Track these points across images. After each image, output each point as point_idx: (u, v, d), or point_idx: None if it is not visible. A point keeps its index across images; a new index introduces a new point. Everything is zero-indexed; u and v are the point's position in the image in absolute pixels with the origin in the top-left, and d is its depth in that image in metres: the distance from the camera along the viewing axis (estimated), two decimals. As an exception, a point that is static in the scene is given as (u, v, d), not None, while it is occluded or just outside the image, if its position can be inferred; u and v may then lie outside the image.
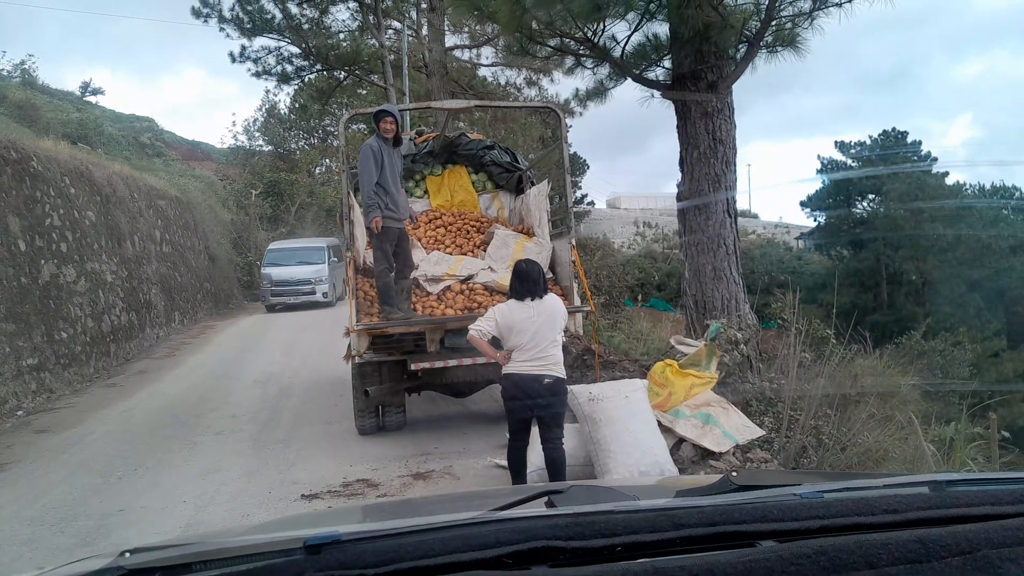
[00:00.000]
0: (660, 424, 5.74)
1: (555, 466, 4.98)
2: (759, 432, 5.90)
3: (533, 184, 8.66)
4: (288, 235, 26.15)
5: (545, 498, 1.24)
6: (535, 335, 4.87)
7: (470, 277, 7.60)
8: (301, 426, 7.98)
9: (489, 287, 7.45)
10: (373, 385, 7.01)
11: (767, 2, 7.78)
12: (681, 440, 5.79)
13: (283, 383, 10.36)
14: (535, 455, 5.54)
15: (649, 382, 6.02)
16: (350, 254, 7.25)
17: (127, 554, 1.08)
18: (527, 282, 5.01)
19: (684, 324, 8.83)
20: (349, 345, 6.99)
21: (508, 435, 5.12)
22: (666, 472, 5.31)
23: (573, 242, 7.32)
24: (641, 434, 5.53)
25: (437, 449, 6.74)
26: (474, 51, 20.40)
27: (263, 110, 34.78)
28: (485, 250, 8.08)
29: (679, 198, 8.62)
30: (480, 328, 5.01)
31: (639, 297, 18.03)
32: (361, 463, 6.44)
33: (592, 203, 37.09)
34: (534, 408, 4.91)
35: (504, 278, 7.33)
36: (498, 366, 6.58)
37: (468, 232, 8.49)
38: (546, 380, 4.89)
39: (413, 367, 6.77)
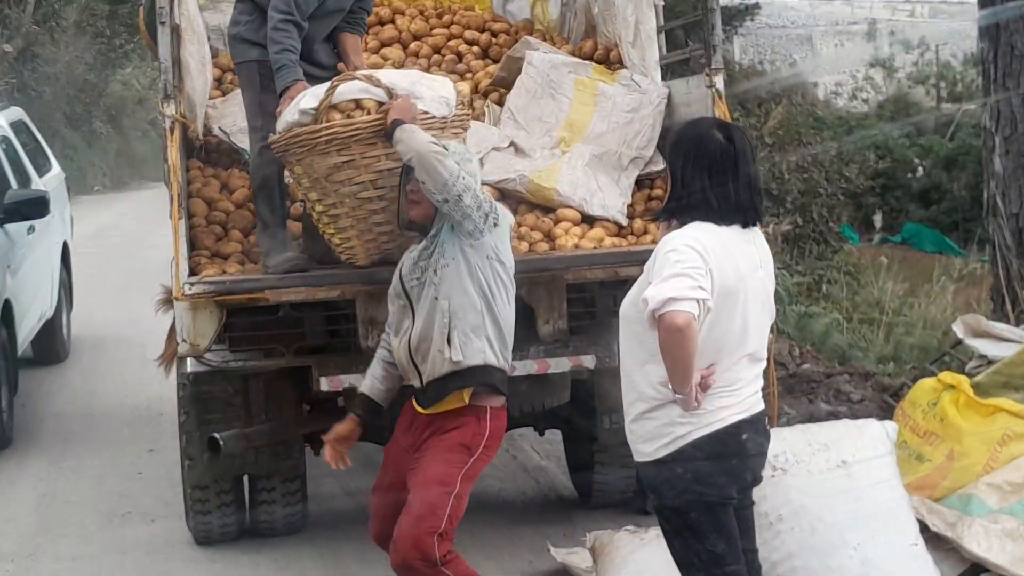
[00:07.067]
0: (923, 525, 3.35)
1: None
2: None
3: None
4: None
5: None
6: (748, 318, 2.19)
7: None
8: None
9: (507, 189, 3.71)
10: (227, 426, 3.49)
11: None
12: (977, 568, 3.40)
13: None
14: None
15: (899, 425, 3.62)
16: (174, 114, 3.56)
17: None
18: (732, 176, 2.13)
19: (987, 285, 5.86)
20: (170, 332, 3.56)
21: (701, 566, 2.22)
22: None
23: (719, 86, 3.65)
24: (875, 551, 3.19)
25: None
26: None
27: None
28: (501, 98, 4.17)
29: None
30: (698, 296, 1.97)
31: (877, 222, 12.83)
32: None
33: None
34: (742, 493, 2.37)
35: (548, 171, 3.79)
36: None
37: (461, 54, 4.45)
38: (759, 427, 2.37)
39: (325, 384, 3.36)
